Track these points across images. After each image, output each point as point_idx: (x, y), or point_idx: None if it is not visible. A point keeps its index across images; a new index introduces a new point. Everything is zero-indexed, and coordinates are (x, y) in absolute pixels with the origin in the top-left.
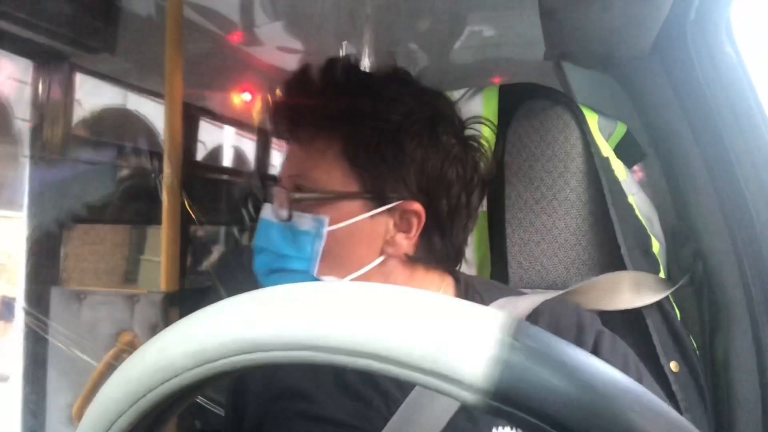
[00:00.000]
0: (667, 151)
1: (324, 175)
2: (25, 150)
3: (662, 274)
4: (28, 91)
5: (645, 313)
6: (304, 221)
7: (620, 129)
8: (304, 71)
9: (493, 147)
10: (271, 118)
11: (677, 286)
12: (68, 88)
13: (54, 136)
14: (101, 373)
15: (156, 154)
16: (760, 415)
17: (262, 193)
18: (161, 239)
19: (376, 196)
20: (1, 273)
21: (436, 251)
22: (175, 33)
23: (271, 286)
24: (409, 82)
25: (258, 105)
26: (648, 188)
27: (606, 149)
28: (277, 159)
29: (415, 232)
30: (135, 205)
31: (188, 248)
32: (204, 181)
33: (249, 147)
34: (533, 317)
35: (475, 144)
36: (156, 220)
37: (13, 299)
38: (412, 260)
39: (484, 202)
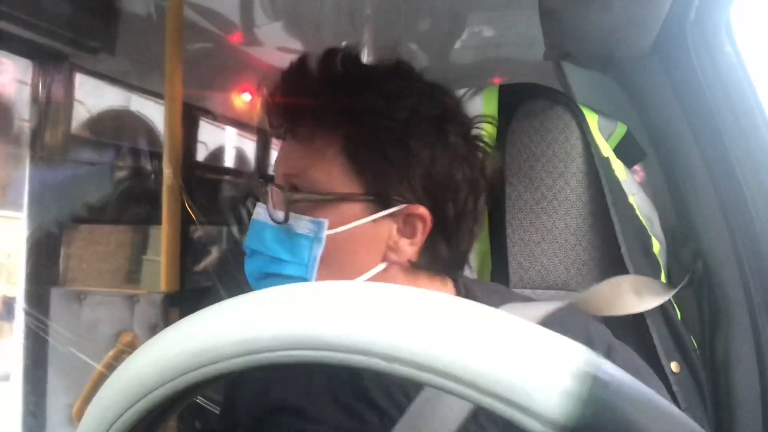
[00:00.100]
0: (667, 151)
1: (323, 174)
2: (26, 150)
3: (663, 275)
4: (28, 92)
5: (645, 313)
6: (302, 224)
7: (620, 129)
8: (302, 62)
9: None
10: (266, 112)
11: (678, 288)
12: (69, 88)
13: (54, 137)
14: (101, 374)
15: (158, 155)
16: (760, 415)
17: (261, 194)
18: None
19: (379, 199)
20: (0, 272)
21: (441, 258)
22: (175, 33)
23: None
24: (413, 77)
25: (257, 105)
26: (648, 188)
27: (606, 149)
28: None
29: (419, 237)
30: (138, 205)
31: (189, 248)
32: (204, 180)
33: (249, 147)
34: None
35: (481, 144)
36: (159, 220)
37: (13, 299)
38: (414, 267)
39: None
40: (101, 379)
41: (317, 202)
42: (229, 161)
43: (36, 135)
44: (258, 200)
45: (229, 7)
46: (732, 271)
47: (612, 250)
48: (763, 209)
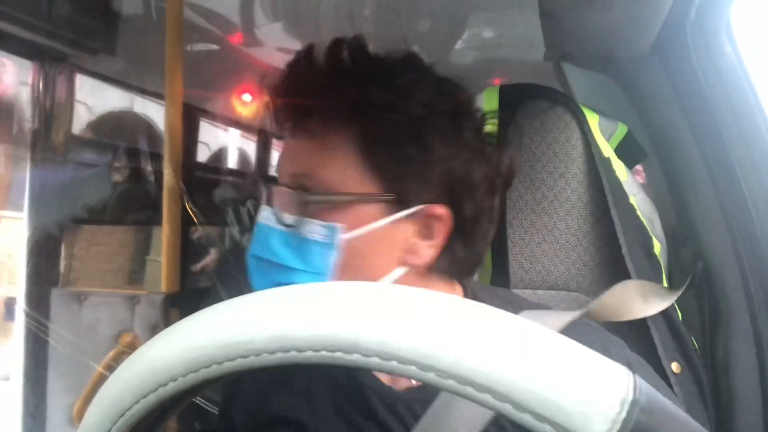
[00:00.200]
0: (667, 151)
1: (336, 173)
2: (26, 151)
3: (664, 275)
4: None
5: None
6: (315, 229)
7: (621, 129)
8: (309, 54)
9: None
10: (272, 107)
11: (682, 290)
12: (69, 89)
13: (54, 137)
14: (102, 374)
15: (161, 156)
16: (760, 415)
17: (264, 196)
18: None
19: (398, 199)
20: (1, 272)
21: (457, 261)
22: (175, 33)
23: None
24: (424, 70)
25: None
26: (648, 189)
27: (607, 150)
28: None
29: (439, 239)
30: (141, 206)
31: (189, 249)
32: (204, 181)
33: (249, 148)
34: None
35: (494, 141)
36: (160, 220)
37: (14, 300)
38: (429, 270)
39: None
40: (102, 379)
41: (332, 203)
42: (229, 162)
43: (36, 135)
44: (258, 202)
45: (229, 8)
46: (732, 271)
47: (613, 250)
48: (763, 209)
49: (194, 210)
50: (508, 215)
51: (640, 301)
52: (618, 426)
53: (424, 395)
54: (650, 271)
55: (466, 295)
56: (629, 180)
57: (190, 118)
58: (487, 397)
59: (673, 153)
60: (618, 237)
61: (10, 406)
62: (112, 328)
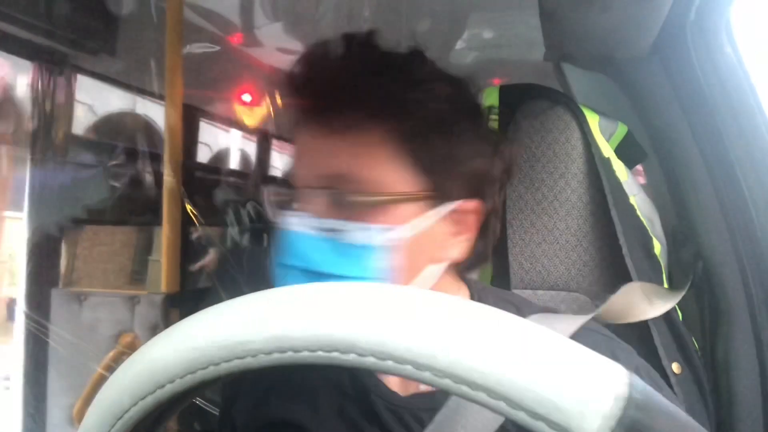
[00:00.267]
0: (667, 151)
1: (379, 172)
2: (26, 151)
3: (663, 275)
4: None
5: None
6: (365, 232)
7: (621, 130)
8: (332, 48)
9: None
10: (294, 100)
11: (684, 290)
12: (69, 89)
13: (54, 138)
14: (102, 375)
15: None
16: (760, 415)
17: (262, 195)
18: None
19: (439, 196)
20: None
21: (475, 256)
22: (175, 33)
23: None
24: (436, 66)
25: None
26: (648, 189)
27: (607, 150)
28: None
29: (471, 234)
30: (143, 207)
31: (190, 249)
32: (205, 182)
33: (249, 148)
34: None
35: (501, 137)
36: (161, 221)
37: (14, 300)
38: (449, 266)
39: None
40: (102, 380)
41: (377, 204)
42: (230, 162)
43: (36, 136)
44: (259, 203)
45: (229, 8)
46: (732, 271)
47: (613, 250)
48: (763, 209)
49: (194, 210)
50: (508, 215)
51: (645, 303)
52: (612, 423)
53: (431, 402)
54: (650, 272)
55: (472, 295)
56: (629, 180)
57: (190, 119)
58: (482, 396)
59: (673, 153)
60: (618, 237)
61: (10, 407)
62: (112, 328)
